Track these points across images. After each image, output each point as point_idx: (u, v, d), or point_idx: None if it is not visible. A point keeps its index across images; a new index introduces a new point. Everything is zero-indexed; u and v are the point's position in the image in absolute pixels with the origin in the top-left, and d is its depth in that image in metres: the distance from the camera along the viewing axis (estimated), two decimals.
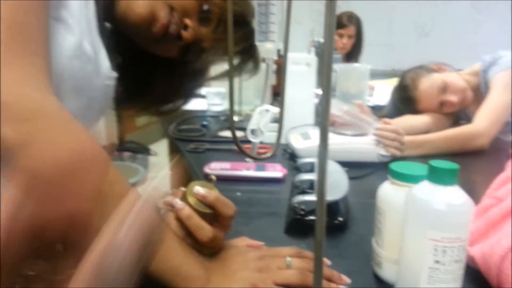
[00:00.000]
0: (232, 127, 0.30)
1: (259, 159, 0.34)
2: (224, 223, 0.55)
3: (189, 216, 0.52)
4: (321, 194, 0.32)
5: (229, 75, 0.26)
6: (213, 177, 0.55)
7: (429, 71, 1.55)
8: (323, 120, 0.30)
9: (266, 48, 0.30)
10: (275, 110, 0.31)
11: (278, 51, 2.40)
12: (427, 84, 1.52)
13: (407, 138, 1.19)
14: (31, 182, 0.38)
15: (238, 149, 0.32)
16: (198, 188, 0.54)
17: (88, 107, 0.62)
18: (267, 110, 0.32)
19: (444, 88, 1.50)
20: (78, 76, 0.57)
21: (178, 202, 0.53)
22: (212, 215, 0.54)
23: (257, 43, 0.30)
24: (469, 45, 3.75)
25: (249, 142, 1.34)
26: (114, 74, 0.66)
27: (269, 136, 1.25)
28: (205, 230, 0.52)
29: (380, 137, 1.15)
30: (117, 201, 0.35)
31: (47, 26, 0.49)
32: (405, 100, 1.58)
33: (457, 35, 3.82)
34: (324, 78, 0.30)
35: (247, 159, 0.31)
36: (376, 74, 2.22)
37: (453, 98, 1.49)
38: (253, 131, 0.32)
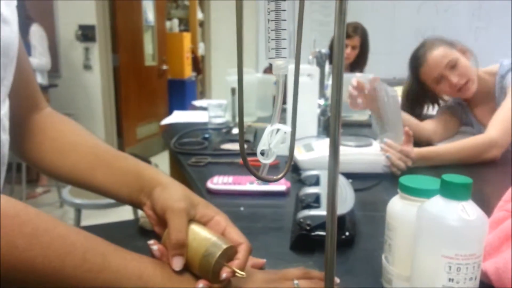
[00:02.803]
0: (242, 149, 0.28)
1: (270, 181, 0.32)
2: None
3: None
4: (332, 211, 0.30)
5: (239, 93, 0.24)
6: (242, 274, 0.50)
7: (452, 46, 1.50)
8: (334, 132, 0.29)
9: (277, 65, 0.28)
10: (287, 129, 0.29)
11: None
12: (441, 52, 1.47)
13: (417, 150, 1.16)
14: None
15: (248, 171, 0.30)
16: None
17: None
18: (278, 130, 0.30)
19: (453, 66, 1.45)
20: None
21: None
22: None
23: (268, 60, 0.28)
24: None
25: (253, 154, 1.33)
26: None
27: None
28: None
29: (386, 154, 1.12)
30: None
31: None
32: (413, 60, 1.54)
33: None
34: (334, 90, 0.28)
35: (258, 181, 0.29)
36: None
37: (454, 79, 1.45)
38: (263, 152, 0.30)
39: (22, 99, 0.67)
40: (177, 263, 0.49)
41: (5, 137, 0.60)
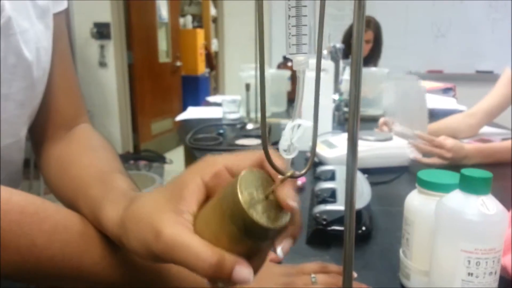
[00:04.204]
0: (265, 145, 0.29)
1: (294, 177, 0.32)
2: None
3: None
4: (350, 208, 0.30)
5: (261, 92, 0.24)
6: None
7: None
8: (352, 127, 0.29)
9: (298, 60, 0.28)
10: (308, 124, 0.30)
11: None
12: None
13: (472, 146, 1.14)
14: None
15: (271, 166, 0.30)
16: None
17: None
18: (300, 125, 0.30)
19: None
20: None
21: None
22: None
23: (289, 56, 0.28)
24: (486, 44, 3.69)
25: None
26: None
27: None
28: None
29: (417, 147, 1.12)
30: None
31: None
32: None
33: (474, 35, 3.76)
34: (353, 86, 0.28)
35: (280, 176, 0.27)
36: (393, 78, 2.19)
37: None
38: (284, 148, 0.31)
39: (60, 110, 0.63)
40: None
41: (19, 157, 0.59)
